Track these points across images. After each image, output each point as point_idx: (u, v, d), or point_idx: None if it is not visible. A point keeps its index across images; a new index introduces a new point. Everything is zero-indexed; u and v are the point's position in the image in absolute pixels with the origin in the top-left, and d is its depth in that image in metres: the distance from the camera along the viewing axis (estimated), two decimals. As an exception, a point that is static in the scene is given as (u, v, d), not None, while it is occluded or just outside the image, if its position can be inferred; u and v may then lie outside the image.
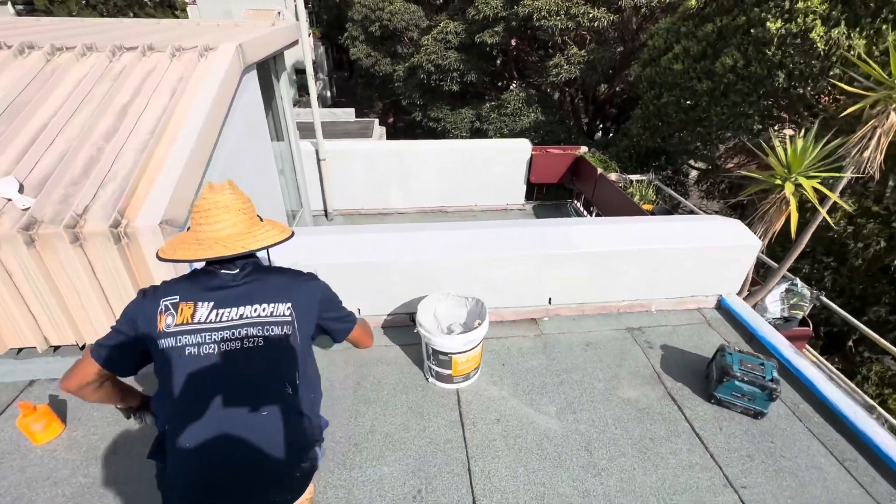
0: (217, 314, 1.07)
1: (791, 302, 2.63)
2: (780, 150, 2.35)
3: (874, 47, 4.07)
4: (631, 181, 5.02)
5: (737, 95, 5.14)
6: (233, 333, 1.06)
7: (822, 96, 4.81)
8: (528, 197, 6.08)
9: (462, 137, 11.44)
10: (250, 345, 1.06)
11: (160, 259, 1.10)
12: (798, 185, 2.33)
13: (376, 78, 13.00)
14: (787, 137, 2.46)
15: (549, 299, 2.21)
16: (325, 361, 2.01)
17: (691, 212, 4.60)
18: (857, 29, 4.19)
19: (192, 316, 1.06)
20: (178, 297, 1.08)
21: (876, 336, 2.46)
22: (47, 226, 1.68)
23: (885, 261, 4.12)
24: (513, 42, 11.05)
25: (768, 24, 4.65)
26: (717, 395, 1.78)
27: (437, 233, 2.15)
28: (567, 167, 5.81)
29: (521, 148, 5.65)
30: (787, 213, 2.38)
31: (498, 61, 11.87)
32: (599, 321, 2.26)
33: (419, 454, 1.60)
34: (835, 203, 2.44)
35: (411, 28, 12.07)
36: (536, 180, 5.81)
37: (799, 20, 4.45)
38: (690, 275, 2.24)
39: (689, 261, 2.19)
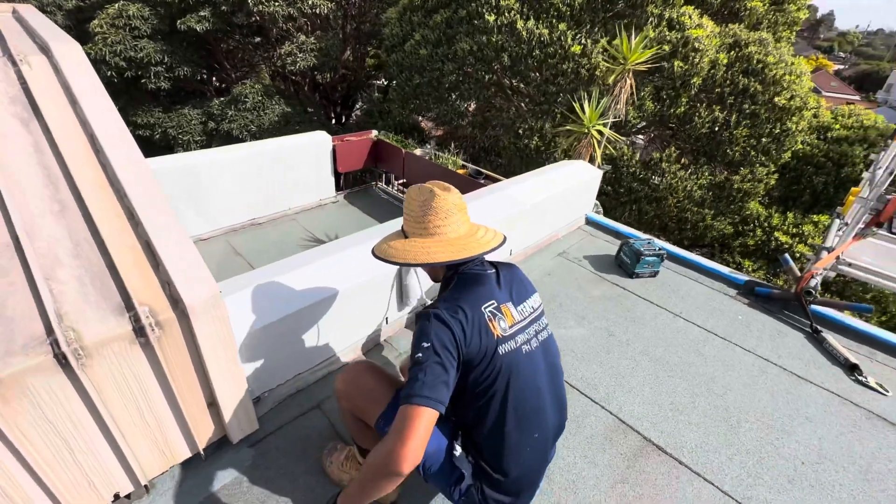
0: (519, 311, 1.11)
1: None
2: (578, 108, 3.48)
3: (552, 34, 5.94)
4: (436, 154, 5.79)
5: (477, 73, 6.51)
6: (534, 327, 1.13)
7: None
8: (337, 188, 6.09)
9: (195, 142, 9.79)
10: (545, 335, 1.16)
11: (398, 263, 1.10)
12: (598, 132, 3.53)
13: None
14: (583, 98, 3.62)
15: (511, 251, 2.69)
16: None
17: (483, 175, 5.73)
18: (540, 21, 6.00)
19: (513, 316, 1.08)
20: (493, 301, 1.06)
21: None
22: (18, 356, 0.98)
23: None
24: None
25: (486, 16, 6.05)
26: (637, 271, 2.72)
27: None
28: (368, 151, 6.09)
29: (322, 140, 5.57)
30: (591, 152, 3.58)
31: (220, 51, 10.40)
32: (542, 256, 2.90)
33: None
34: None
35: (50, 8, 9.15)
36: (344, 169, 5.88)
37: (505, 15, 5.99)
38: (574, 204, 3.14)
39: (572, 195, 3.06)
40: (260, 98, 9.28)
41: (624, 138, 5.75)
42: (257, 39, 10.47)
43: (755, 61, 6.05)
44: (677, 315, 2.46)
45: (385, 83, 12.02)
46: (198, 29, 8.56)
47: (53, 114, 1.50)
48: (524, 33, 5.91)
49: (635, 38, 3.62)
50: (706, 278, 2.82)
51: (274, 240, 4.41)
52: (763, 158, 6.65)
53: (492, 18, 6.01)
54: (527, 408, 1.08)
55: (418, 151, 5.71)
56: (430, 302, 2.25)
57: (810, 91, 6.62)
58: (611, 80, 3.55)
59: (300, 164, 5.44)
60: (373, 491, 0.97)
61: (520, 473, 1.10)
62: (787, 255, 2.72)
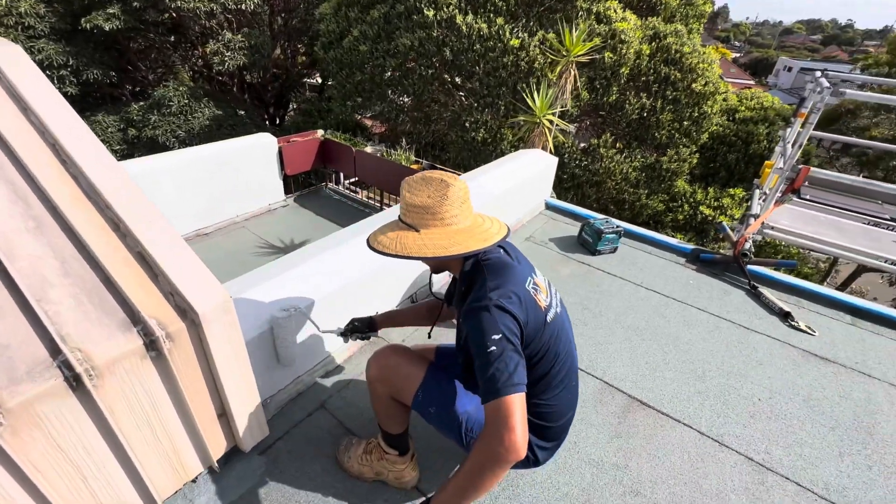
0: (541, 279, 1.19)
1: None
2: (529, 99, 3.65)
3: (490, 28, 6.10)
4: (388, 150, 5.75)
5: (419, 69, 6.54)
6: (552, 289, 1.23)
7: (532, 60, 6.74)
8: (287, 191, 5.89)
9: (115, 152, 8.97)
10: (558, 295, 1.27)
11: (428, 261, 1.16)
12: (549, 121, 3.71)
13: None
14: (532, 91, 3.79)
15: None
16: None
17: (431, 166, 5.81)
18: (478, 16, 6.14)
19: (542, 286, 1.16)
20: (529, 278, 1.12)
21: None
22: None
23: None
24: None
25: (425, 11, 6.10)
26: (599, 248, 2.93)
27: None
28: (316, 152, 5.93)
29: (267, 142, 5.35)
30: (543, 140, 3.77)
31: (132, 52, 9.52)
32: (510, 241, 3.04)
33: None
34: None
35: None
36: (293, 172, 5.68)
37: (444, 10, 6.07)
38: (535, 191, 3.30)
39: (533, 182, 3.22)
40: (186, 101, 8.66)
41: (572, 126, 6.04)
42: (173, 38, 9.76)
43: (674, 51, 6.61)
44: (639, 285, 2.69)
45: (321, 81, 11.69)
46: (106, 28, 7.81)
47: (4, 124, 1.37)
48: (464, 28, 6.03)
49: (571, 30, 3.86)
50: (658, 250, 3.10)
51: (226, 250, 4.20)
52: (685, 140, 7.30)
53: (431, 13, 6.06)
54: (568, 363, 1.20)
55: (369, 149, 5.66)
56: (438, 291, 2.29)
57: (719, 77, 7.36)
58: (557, 70, 3.76)
59: (246, 168, 5.20)
60: (484, 487, 0.96)
61: (564, 420, 1.25)
62: (723, 223, 3.06)
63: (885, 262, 2.74)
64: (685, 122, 6.99)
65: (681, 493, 1.52)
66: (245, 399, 1.40)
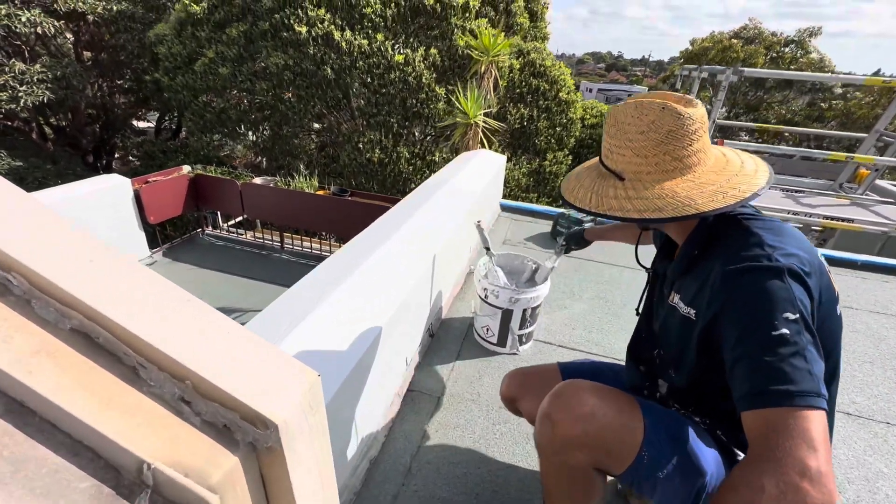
0: None
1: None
2: (464, 102, 3.43)
3: (371, 44, 5.82)
4: (285, 181, 4.91)
5: (298, 89, 5.90)
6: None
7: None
8: (153, 244, 4.62)
9: None
10: None
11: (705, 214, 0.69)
12: (477, 123, 3.53)
13: None
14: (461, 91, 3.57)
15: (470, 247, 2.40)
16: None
17: (349, 191, 5.15)
18: (357, 33, 5.82)
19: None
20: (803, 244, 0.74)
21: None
22: None
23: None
24: None
25: (297, 27, 5.54)
26: (578, 239, 2.80)
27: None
28: (186, 192, 4.77)
29: (117, 184, 4.11)
30: (479, 139, 3.58)
31: None
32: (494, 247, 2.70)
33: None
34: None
35: None
36: (157, 219, 4.46)
37: (318, 26, 5.60)
38: (495, 192, 3.04)
39: (494, 181, 2.97)
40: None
41: (502, 125, 5.88)
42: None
43: (538, 65, 7.20)
44: (636, 269, 2.61)
45: (159, 118, 9.93)
46: None
47: None
48: (343, 44, 5.63)
49: (444, 47, 3.83)
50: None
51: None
52: (558, 145, 7.99)
53: (304, 30, 5.53)
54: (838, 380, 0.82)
55: (258, 180, 4.77)
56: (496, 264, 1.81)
57: (573, 87, 8.29)
58: (481, 69, 3.65)
59: (92, 219, 3.90)
60: None
61: None
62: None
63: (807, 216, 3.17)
64: (558, 128, 7.64)
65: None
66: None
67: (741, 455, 0.85)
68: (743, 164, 0.79)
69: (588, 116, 10.43)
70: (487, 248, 1.75)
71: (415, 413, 1.45)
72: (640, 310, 1.05)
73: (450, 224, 1.98)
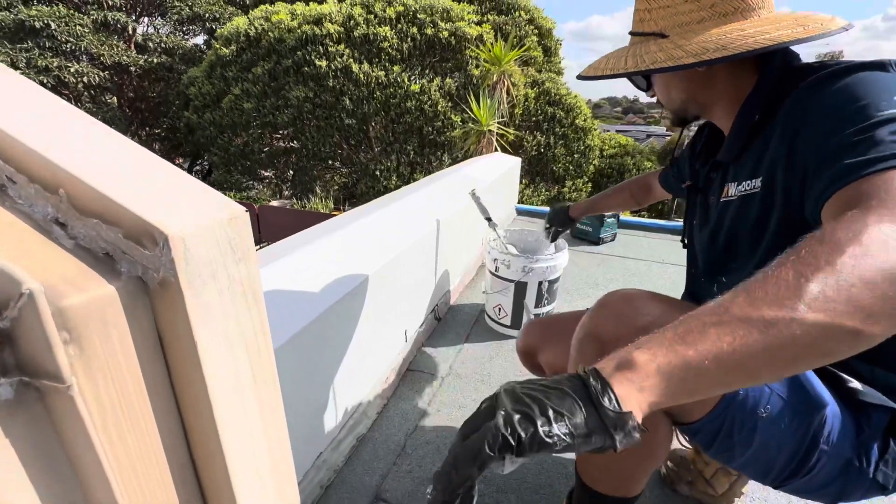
0: None
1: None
2: (477, 110, 3.41)
3: (388, 76, 6.02)
4: (301, 203, 4.95)
5: (318, 119, 6.09)
6: None
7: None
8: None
9: None
10: None
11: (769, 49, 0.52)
12: (491, 131, 3.48)
13: None
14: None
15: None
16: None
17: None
18: (374, 65, 6.04)
19: None
20: None
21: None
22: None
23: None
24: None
25: (318, 62, 5.79)
26: (601, 236, 2.60)
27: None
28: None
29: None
30: (494, 147, 3.51)
31: None
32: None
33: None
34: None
35: None
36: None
37: (338, 60, 5.84)
38: (510, 192, 2.92)
39: (508, 180, 2.87)
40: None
41: (520, 133, 5.81)
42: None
43: (553, 94, 7.28)
44: (662, 263, 2.38)
45: (192, 160, 10.44)
46: None
47: None
48: (361, 76, 5.83)
49: (459, 79, 3.87)
50: (651, 232, 2.90)
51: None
52: (577, 171, 7.90)
53: (323, 64, 5.77)
54: None
55: (275, 203, 4.82)
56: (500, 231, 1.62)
57: (589, 114, 8.31)
58: (493, 79, 3.66)
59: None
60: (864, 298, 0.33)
61: None
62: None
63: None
64: (576, 155, 7.59)
65: None
66: (277, 474, 0.56)
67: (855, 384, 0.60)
68: (809, 12, 0.63)
69: (607, 147, 10.40)
70: (489, 219, 1.60)
71: (415, 392, 1.25)
72: (686, 240, 0.86)
73: (459, 197, 1.85)
